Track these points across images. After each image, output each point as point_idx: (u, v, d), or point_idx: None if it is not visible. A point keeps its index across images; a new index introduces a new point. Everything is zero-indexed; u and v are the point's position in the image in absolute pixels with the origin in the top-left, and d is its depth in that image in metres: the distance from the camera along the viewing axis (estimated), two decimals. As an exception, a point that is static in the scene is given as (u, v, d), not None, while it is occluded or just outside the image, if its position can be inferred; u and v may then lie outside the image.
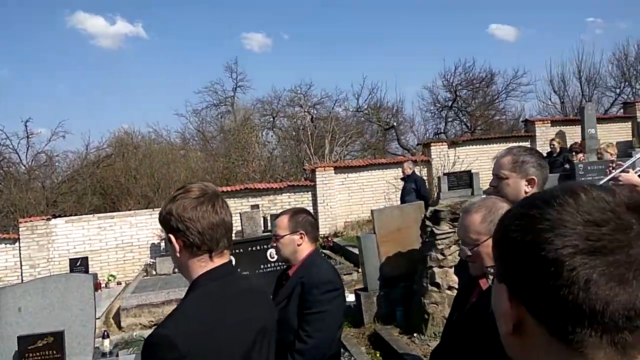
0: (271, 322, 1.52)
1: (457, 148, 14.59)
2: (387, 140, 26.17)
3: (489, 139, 15.95)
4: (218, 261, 1.42)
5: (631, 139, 14.80)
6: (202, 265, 1.40)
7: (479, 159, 14.18)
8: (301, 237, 2.37)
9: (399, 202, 10.40)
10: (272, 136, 24.62)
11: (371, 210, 6.33)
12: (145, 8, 41.02)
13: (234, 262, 5.39)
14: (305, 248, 2.39)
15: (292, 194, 13.06)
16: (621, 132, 15.82)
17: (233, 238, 1.62)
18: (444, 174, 13.25)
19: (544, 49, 46.14)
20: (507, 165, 2.21)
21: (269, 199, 12.90)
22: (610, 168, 2.89)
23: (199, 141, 26.20)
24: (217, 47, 42.04)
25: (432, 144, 14.91)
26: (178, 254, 1.40)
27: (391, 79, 59.14)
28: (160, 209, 1.51)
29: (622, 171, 2.79)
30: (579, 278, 0.51)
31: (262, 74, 45.78)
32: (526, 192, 2.17)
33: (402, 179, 9.59)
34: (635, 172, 2.81)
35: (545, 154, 11.19)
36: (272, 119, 25.87)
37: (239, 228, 8.65)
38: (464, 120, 25.00)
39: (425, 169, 14.10)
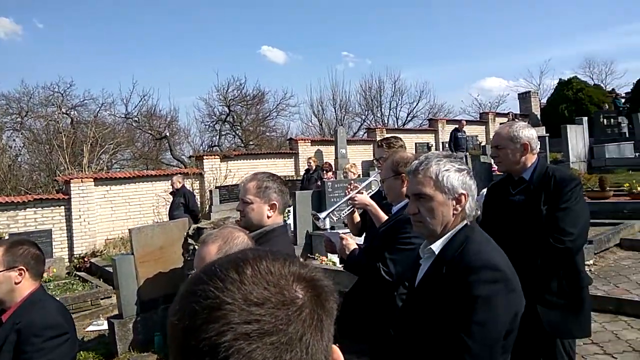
0: None
1: (229, 162, 14.91)
2: (161, 150, 25.05)
3: (259, 155, 16.82)
4: None
5: (372, 160, 17.57)
6: None
7: (250, 173, 14.77)
8: (20, 274, 2.00)
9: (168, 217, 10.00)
10: (16, 139, 20.79)
11: (129, 230, 5.89)
12: None
13: None
14: (26, 287, 2.02)
15: (40, 209, 11.21)
16: (365, 152, 18.68)
17: None
18: (216, 187, 13.41)
19: (308, 74, 51.66)
20: (252, 190, 2.31)
21: (9, 215, 10.81)
22: (348, 189, 3.22)
23: None
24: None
25: (204, 157, 14.88)
26: None
27: (164, 86, 57.18)
28: None
29: (358, 192, 3.16)
30: None
31: (8, 65, 38.57)
32: (269, 217, 2.31)
33: (171, 193, 9.26)
34: (368, 193, 3.26)
35: (304, 171, 12.39)
36: (20, 119, 21.93)
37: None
38: (239, 134, 25.81)
39: (198, 181, 13.98)
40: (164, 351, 4.88)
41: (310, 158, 11.34)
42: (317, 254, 6.60)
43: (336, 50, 51.88)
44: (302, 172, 16.22)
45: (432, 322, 1.60)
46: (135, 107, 24.55)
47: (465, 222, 1.71)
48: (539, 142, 2.79)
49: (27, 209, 11.06)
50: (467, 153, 13.32)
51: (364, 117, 29.22)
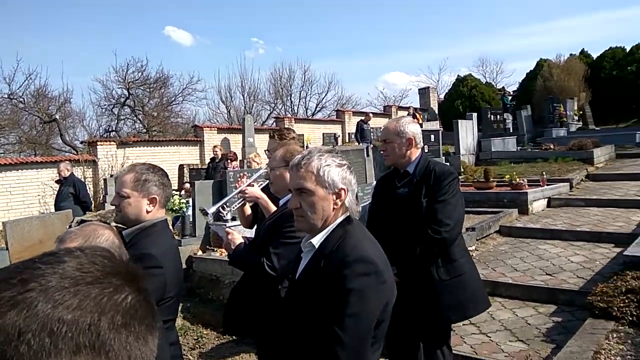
0: None
1: (126, 148, 14.04)
2: (51, 135, 22.94)
3: (161, 141, 16.06)
4: None
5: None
6: None
7: (151, 161, 13.97)
8: None
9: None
10: None
11: (2, 223, 5.31)
12: None
13: None
14: None
15: None
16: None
17: None
18: (111, 176, 12.55)
19: (216, 59, 50.16)
20: (129, 184, 2.16)
21: None
22: (239, 182, 3.17)
23: None
24: None
25: (98, 143, 13.85)
26: None
27: (56, 65, 52.36)
28: None
29: (249, 185, 3.12)
30: None
31: None
32: (148, 212, 2.18)
33: (57, 181, 8.47)
34: (260, 185, 3.23)
35: (209, 159, 12.03)
36: None
37: None
38: (140, 119, 24.39)
39: (91, 169, 13.00)
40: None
41: (216, 146, 11.03)
42: (215, 247, 6.46)
43: (246, 35, 51.02)
44: (207, 161, 15.78)
45: (309, 314, 1.62)
46: (21, 86, 22.15)
47: (344, 216, 1.75)
48: (428, 136, 2.94)
49: None
50: (371, 144, 13.82)
51: (273, 105, 29.12)
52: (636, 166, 10.72)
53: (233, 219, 6.86)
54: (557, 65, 22.73)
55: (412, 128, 2.79)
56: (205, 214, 3.06)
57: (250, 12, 50.19)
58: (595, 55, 23.62)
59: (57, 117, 20.71)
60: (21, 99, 21.96)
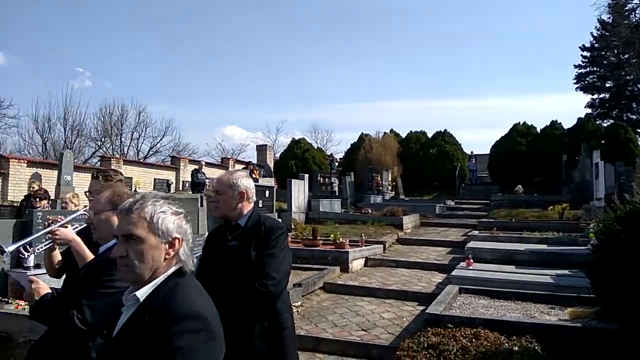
0: None
1: None
2: None
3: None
4: None
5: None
6: None
7: None
8: None
9: None
10: None
11: None
12: None
13: None
14: None
15: None
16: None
17: None
18: None
19: (34, 84, 44.63)
20: None
21: None
22: (49, 220, 2.82)
23: None
24: None
25: None
26: None
27: None
28: None
29: (62, 225, 2.78)
30: None
31: None
32: None
33: None
34: (74, 228, 2.88)
35: (24, 197, 10.33)
36: None
37: None
38: None
39: None
40: None
41: (34, 182, 9.56)
42: (10, 298, 5.46)
43: (69, 63, 46.65)
44: (10, 197, 13.52)
45: (126, 378, 1.46)
46: None
47: (176, 267, 1.66)
48: (262, 191, 3.02)
49: None
50: (204, 194, 13.55)
51: (100, 143, 26.76)
52: (436, 234, 12.52)
53: (37, 266, 5.91)
54: (376, 140, 25.80)
55: (245, 182, 2.85)
56: (2, 252, 2.60)
57: (74, 37, 46.30)
58: (403, 135, 27.55)
59: None
60: None
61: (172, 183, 19.69)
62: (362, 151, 24.49)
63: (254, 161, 26.51)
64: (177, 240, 1.64)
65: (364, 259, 8.99)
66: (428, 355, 3.99)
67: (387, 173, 22.44)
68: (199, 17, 56.38)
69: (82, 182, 15.59)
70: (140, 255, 1.59)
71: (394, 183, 23.15)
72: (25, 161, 15.27)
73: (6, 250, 2.64)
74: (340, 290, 7.09)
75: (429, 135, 26.69)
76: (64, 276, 2.86)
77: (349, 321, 5.61)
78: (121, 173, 3.40)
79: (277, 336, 2.66)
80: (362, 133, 27.24)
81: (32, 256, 5.76)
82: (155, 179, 18.97)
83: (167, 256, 1.63)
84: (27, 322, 4.48)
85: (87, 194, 3.20)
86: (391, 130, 27.95)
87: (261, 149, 28.90)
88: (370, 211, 14.52)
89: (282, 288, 2.71)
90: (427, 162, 24.76)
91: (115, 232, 1.69)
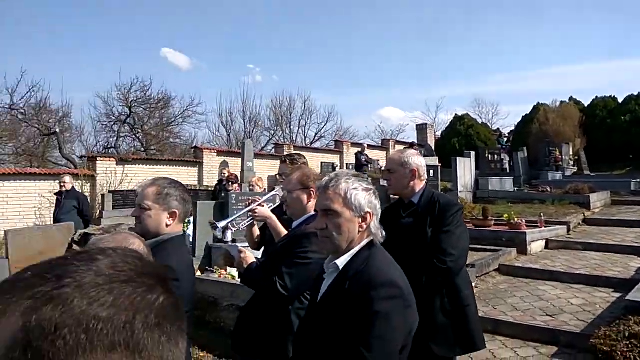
0: None
1: (126, 165, 14.02)
2: (48, 148, 22.86)
3: (160, 161, 16.06)
4: None
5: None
6: None
7: (149, 178, 14.07)
8: None
9: (52, 220, 9.08)
10: None
11: (4, 231, 5.25)
12: None
13: None
14: None
15: None
16: (272, 167, 18.67)
17: None
18: (109, 192, 12.51)
19: (216, 83, 50.90)
20: (151, 196, 2.18)
21: None
22: (249, 202, 3.19)
23: None
24: None
25: (98, 159, 13.83)
26: None
27: (57, 79, 52.80)
28: None
29: (259, 205, 3.14)
30: None
31: None
32: (167, 225, 2.19)
33: (57, 194, 8.42)
34: (269, 207, 3.25)
35: (217, 181, 12.02)
36: None
37: None
38: (139, 137, 24.44)
39: (89, 184, 12.94)
40: None
41: (224, 168, 11.05)
42: (215, 267, 6.40)
43: (242, 62, 51.84)
44: (205, 182, 15.75)
45: (333, 336, 1.62)
46: (22, 98, 22.23)
47: (368, 240, 1.77)
48: (426, 170, 2.99)
49: None
50: (367, 175, 13.92)
51: (272, 132, 29.36)
52: (632, 213, 10.83)
53: (233, 241, 6.83)
54: (552, 110, 23.20)
55: (416, 160, 2.85)
56: (215, 227, 3.06)
57: (246, 38, 51.14)
58: (585, 103, 24.20)
59: (57, 130, 20.71)
60: (22, 111, 22.02)
61: (337, 166, 20.63)
62: (536, 123, 22.32)
63: (415, 141, 26.20)
64: (368, 215, 1.74)
65: (544, 240, 8.26)
66: (630, 346, 3.54)
67: (567, 146, 20.09)
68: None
69: (260, 167, 17.36)
70: (338, 227, 1.73)
71: (575, 157, 20.64)
72: (215, 151, 17.56)
73: (219, 226, 3.09)
74: (518, 273, 6.66)
75: (620, 100, 22.98)
76: (262, 248, 3.25)
77: (530, 305, 5.25)
78: (304, 157, 3.69)
79: (460, 313, 2.64)
80: (538, 103, 24.76)
81: (230, 232, 6.68)
82: (321, 163, 20.11)
83: (360, 229, 1.75)
84: (229, 289, 5.20)
85: (278, 176, 3.55)
86: (570, 98, 24.84)
87: (421, 128, 28.37)
88: (549, 189, 13.23)
89: (460, 265, 2.67)
90: (618, 130, 21.40)
91: (316, 207, 1.87)
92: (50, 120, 22.95)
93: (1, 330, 0.47)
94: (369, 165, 17.50)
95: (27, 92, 22.27)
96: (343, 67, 56.60)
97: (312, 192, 2.60)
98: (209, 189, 13.52)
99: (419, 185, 2.82)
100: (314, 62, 54.00)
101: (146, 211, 2.17)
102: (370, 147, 22.39)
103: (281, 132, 29.50)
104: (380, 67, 58.15)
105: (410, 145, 21.36)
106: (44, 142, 22.30)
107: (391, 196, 3.32)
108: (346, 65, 56.76)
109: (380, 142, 26.47)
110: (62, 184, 7.92)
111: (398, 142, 25.34)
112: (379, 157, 22.74)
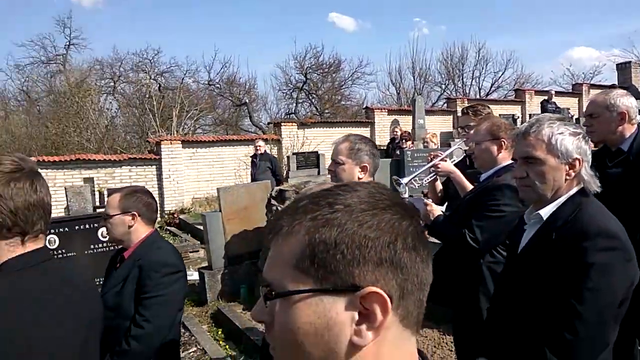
0: (99, 314, 1.40)
1: (306, 129, 15.12)
2: (239, 117, 25.93)
3: (335, 123, 16.87)
4: (31, 246, 1.26)
5: (452, 131, 17.01)
6: (10, 250, 1.22)
7: (326, 141, 14.94)
8: (133, 219, 2.21)
9: (249, 180, 10.42)
10: (111, 103, 22.49)
11: (217, 189, 6.24)
12: None
13: (57, 242, 4.74)
14: (140, 230, 2.23)
15: (134, 167, 12.14)
16: (444, 123, 18.10)
17: (59, 215, 1.42)
18: (293, 154, 13.71)
19: (380, 42, 50.39)
20: (344, 152, 2.36)
21: (106, 172, 11.81)
22: (431, 156, 3.20)
23: (22, 102, 22.70)
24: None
25: (282, 124, 15.19)
26: None
27: (244, 54, 58.61)
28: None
29: (441, 160, 3.13)
30: None
31: (100, 32, 41.44)
32: (359, 178, 2.35)
33: (253, 156, 9.60)
34: (452, 161, 3.22)
35: (390, 139, 12.23)
36: (112, 84, 23.63)
37: (65, 204, 7.76)
38: (314, 102, 26.00)
39: (276, 148, 14.36)
40: (248, 302, 5.20)
41: (396, 127, 11.17)
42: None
43: (407, 15, 49.94)
44: (377, 141, 16.09)
45: (537, 288, 1.57)
46: (217, 74, 25.48)
47: (578, 188, 1.64)
48: (638, 112, 2.57)
49: (123, 167, 12.03)
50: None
51: (443, 86, 28.19)
52: None
53: (410, 196, 6.94)
54: None
55: (625, 101, 2.48)
56: (399, 183, 3.14)
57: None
58: None
59: (247, 100, 23.29)
60: (217, 85, 25.28)
61: (518, 117, 18.95)
62: None
63: (614, 82, 22.40)
64: (577, 161, 1.61)
65: None
66: None
67: None
68: None
69: (432, 124, 16.95)
70: (540, 175, 1.64)
71: None
72: (386, 110, 17.69)
73: (402, 182, 3.17)
74: None
75: None
76: (445, 204, 3.24)
77: None
78: (488, 106, 3.50)
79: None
80: None
81: (406, 188, 6.78)
82: (500, 115, 18.68)
83: (567, 177, 1.63)
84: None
85: (459, 129, 3.46)
86: None
87: (623, 68, 24.00)
88: None
89: None
90: None
91: (514, 155, 1.80)
92: (240, 92, 25.88)
93: (293, 244, 0.60)
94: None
95: (221, 68, 25.48)
96: (521, 6, 50.68)
97: (502, 143, 2.49)
98: (381, 147, 13.79)
99: (630, 130, 2.48)
100: (486, 5, 49.44)
101: (340, 165, 2.35)
102: (559, 93, 19.98)
103: (453, 86, 28.15)
104: (565, 1, 50.48)
105: (611, 88, 18.37)
106: (236, 112, 25.33)
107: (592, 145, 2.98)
108: (525, 2, 50.65)
109: (570, 88, 23.34)
110: (257, 148, 8.98)
111: (593, 86, 21.99)
112: (570, 105, 20.13)
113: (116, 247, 2.46)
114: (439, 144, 9.41)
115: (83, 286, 1.39)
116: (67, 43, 25.02)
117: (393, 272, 0.58)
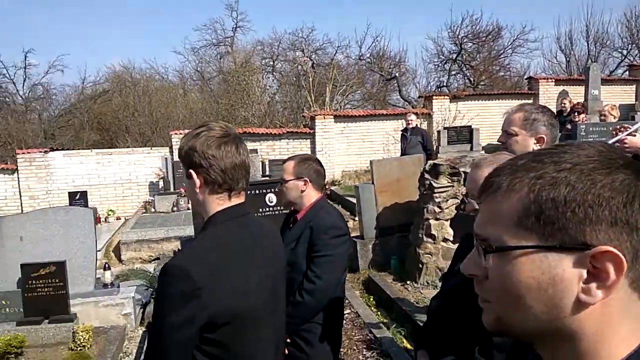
0: (285, 264, 1.60)
1: (458, 102, 14.46)
2: (388, 91, 25.83)
3: (492, 95, 15.79)
4: (235, 201, 1.47)
5: (634, 103, 14.69)
6: (220, 203, 1.44)
7: (480, 115, 14.14)
8: (305, 184, 2.41)
9: (397, 154, 10.41)
10: (272, 80, 24.23)
11: (370, 161, 6.38)
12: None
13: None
14: (310, 194, 2.43)
15: (291, 140, 13.04)
16: (624, 95, 15.70)
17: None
18: (444, 128, 13.24)
19: (553, 5, 44.85)
20: (518, 122, 2.22)
21: (268, 145, 12.89)
22: (617, 130, 2.88)
23: (197, 81, 25.78)
24: (218, -18, 40.75)
25: (434, 97, 14.75)
26: (197, 190, 1.43)
27: (395, 27, 57.54)
28: (159, 147, 1.53)
29: (629, 134, 2.79)
30: None
31: (262, 14, 44.45)
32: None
33: (404, 130, 9.54)
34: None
35: (557, 112, 11.10)
36: (272, 63, 25.37)
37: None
38: (468, 74, 24.59)
39: (426, 122, 14.04)
40: (399, 273, 5.30)
41: (564, 98, 10.06)
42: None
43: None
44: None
45: None
46: (368, 48, 25.58)
47: None
48: None
49: (282, 140, 13.00)
50: None
51: (625, 52, 24.24)
52: None
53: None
54: None
55: None
56: None
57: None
58: None
59: (397, 74, 23.05)
60: (367, 60, 25.41)
61: None
62: None
63: None
64: None
65: None
66: None
67: None
68: None
69: (608, 95, 14.82)
70: None
71: None
72: (553, 80, 15.94)
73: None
74: None
75: None
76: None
77: None
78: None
79: None
80: None
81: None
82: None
83: None
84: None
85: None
86: None
87: None
88: None
89: None
90: None
91: None
92: (390, 66, 25.68)
93: (515, 201, 0.60)
94: None
95: (372, 42, 25.51)
96: None
97: None
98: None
99: None
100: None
101: (512, 137, 2.22)
102: None
103: (637, 51, 24.06)
104: None
105: None
106: (385, 86, 25.26)
107: None
108: None
109: None
110: (409, 122, 8.89)
111: None
112: None
113: (281, 212, 2.71)
114: (619, 118, 8.20)
115: (275, 239, 1.58)
116: (234, 26, 27.44)
117: (628, 233, 0.56)
